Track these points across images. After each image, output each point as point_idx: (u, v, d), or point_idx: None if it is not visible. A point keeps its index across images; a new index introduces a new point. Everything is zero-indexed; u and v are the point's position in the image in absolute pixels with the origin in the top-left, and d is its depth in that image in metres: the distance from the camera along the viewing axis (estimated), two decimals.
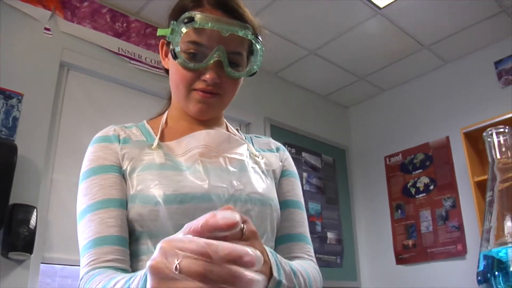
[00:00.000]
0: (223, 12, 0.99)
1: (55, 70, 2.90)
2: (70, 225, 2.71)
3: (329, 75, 4.35)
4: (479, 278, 0.74)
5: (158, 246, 0.52)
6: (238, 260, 0.51)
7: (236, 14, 1.00)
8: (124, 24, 3.31)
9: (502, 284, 0.70)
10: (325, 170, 4.46)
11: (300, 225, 1.09)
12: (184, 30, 0.97)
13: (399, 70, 4.31)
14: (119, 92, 3.23)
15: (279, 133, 4.07)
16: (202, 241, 0.51)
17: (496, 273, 0.70)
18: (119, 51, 3.24)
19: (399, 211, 4.26)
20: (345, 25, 3.65)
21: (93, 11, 3.17)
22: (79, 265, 2.71)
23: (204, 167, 0.97)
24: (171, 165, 0.97)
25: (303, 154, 4.26)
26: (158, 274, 0.51)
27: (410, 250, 4.09)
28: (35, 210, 2.48)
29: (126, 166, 0.97)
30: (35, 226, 2.45)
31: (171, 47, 1.00)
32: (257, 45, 1.03)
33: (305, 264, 0.97)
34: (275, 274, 0.68)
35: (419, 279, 3.95)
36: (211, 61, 0.97)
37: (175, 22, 1.00)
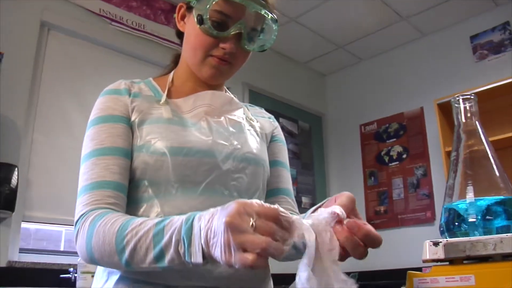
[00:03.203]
0: None
1: (36, 30, 2.88)
2: (51, 184, 2.77)
3: (308, 43, 4.39)
4: (441, 229, 0.82)
5: (232, 205, 0.67)
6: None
7: None
8: None
9: (459, 232, 0.78)
10: (301, 136, 4.54)
11: (286, 182, 1.19)
12: None
13: (377, 41, 4.37)
14: (99, 53, 3.23)
15: (257, 98, 4.12)
16: (274, 208, 0.67)
17: (456, 223, 0.79)
18: (100, 12, 3.21)
19: (372, 178, 4.38)
20: None
21: None
22: (59, 224, 2.74)
23: (208, 125, 1.05)
24: (178, 121, 1.03)
25: (280, 119, 4.33)
26: (236, 228, 0.64)
27: (382, 216, 4.23)
28: (16, 169, 2.50)
29: (135, 118, 1.02)
30: (16, 185, 2.47)
31: (195, 12, 1.05)
32: (273, 25, 1.11)
33: None
34: None
35: (390, 244, 4.09)
36: (233, 32, 1.03)
37: None
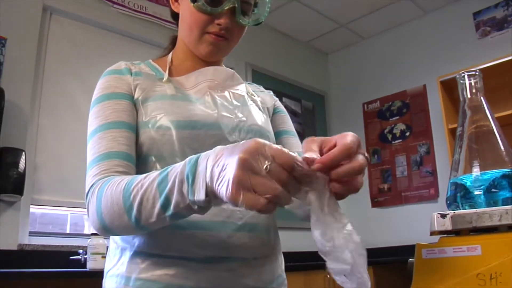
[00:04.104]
0: None
1: (38, 14, 2.88)
2: (58, 168, 2.79)
3: (310, 22, 4.37)
4: (448, 202, 0.84)
5: (250, 143, 0.63)
6: None
7: None
8: None
9: (465, 204, 0.80)
10: (305, 115, 4.56)
11: (297, 147, 1.19)
12: None
13: (379, 19, 4.35)
14: (101, 36, 3.23)
15: (260, 78, 4.12)
16: (291, 155, 0.63)
17: (462, 196, 0.81)
18: None
19: (376, 156, 4.40)
20: None
21: None
22: (67, 207, 2.76)
23: (213, 99, 1.06)
24: (182, 97, 1.05)
25: (283, 99, 4.34)
26: (249, 167, 0.62)
27: (385, 193, 4.26)
28: (24, 153, 2.52)
29: (139, 95, 1.03)
30: (24, 169, 2.50)
31: None
32: None
33: None
34: None
35: (393, 221, 4.13)
36: (227, 7, 1.05)
37: None
